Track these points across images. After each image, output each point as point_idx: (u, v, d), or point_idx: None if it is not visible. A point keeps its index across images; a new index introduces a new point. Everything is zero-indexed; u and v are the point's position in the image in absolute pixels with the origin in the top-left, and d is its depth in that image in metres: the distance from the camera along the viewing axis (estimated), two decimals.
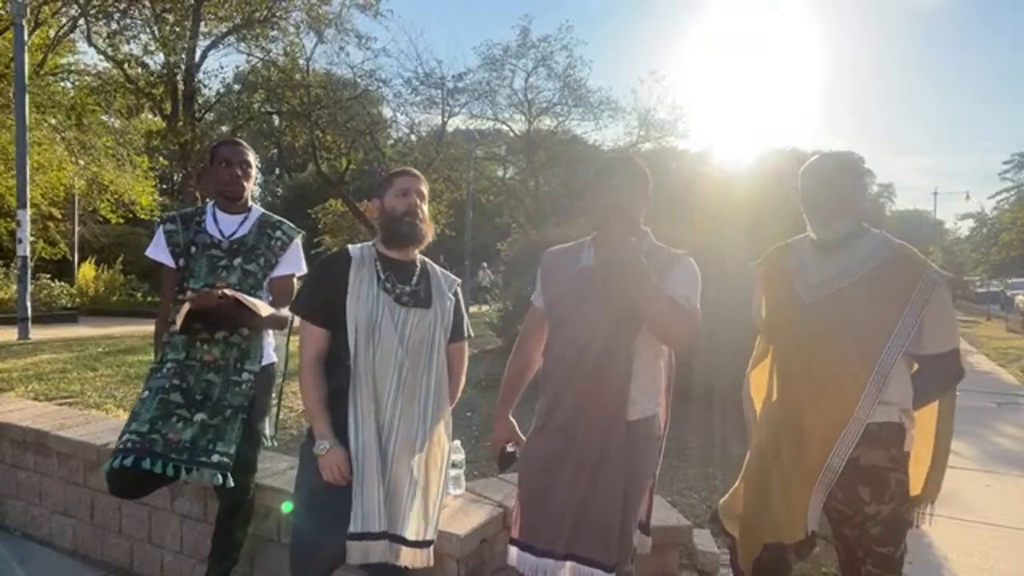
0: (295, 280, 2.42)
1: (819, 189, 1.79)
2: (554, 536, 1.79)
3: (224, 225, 2.31)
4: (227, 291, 2.07)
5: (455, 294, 2.09)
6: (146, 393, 2.18)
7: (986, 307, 22.25)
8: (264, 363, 2.30)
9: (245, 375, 2.22)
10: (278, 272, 2.34)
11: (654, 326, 1.71)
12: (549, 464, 1.83)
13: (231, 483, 2.13)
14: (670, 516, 2.58)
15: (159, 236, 2.31)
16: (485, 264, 20.96)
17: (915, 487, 1.87)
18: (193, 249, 2.25)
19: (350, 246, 2.05)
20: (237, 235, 2.30)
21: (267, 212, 2.43)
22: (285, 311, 2.31)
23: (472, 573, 2.19)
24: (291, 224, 2.43)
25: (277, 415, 2.59)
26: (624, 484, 1.76)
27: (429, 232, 2.02)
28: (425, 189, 2.05)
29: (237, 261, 2.26)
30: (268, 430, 2.57)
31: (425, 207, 2.03)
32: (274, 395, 2.58)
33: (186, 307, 2.07)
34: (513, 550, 1.87)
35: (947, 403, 1.84)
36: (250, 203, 2.40)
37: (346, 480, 1.85)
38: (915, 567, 2.85)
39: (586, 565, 1.75)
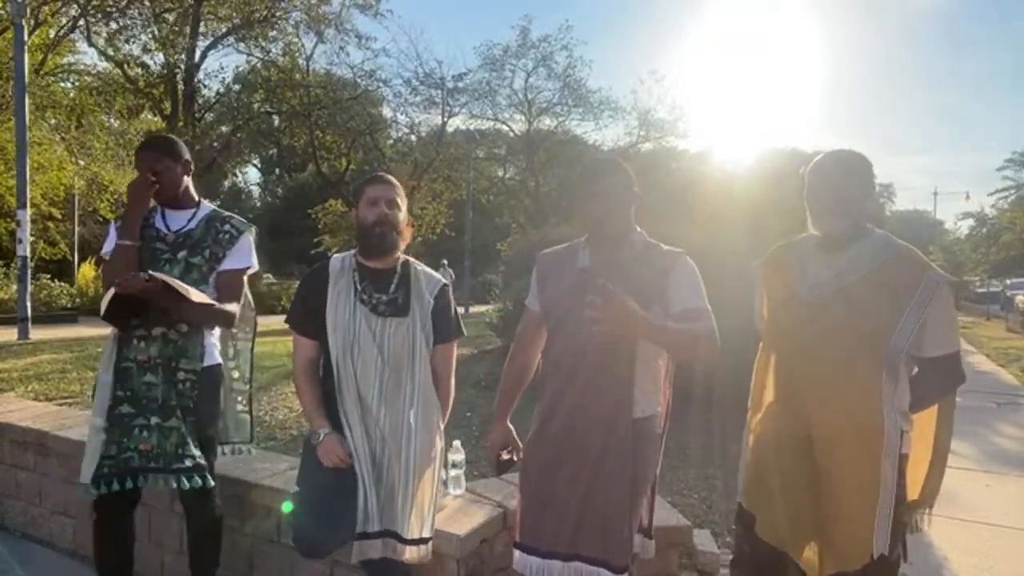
0: (245, 276, 2.33)
1: (819, 187, 1.78)
2: (557, 537, 1.79)
3: (171, 220, 2.26)
4: (154, 274, 1.97)
5: (438, 297, 2.07)
6: (101, 414, 2.12)
7: (986, 307, 22.22)
8: (207, 364, 2.21)
9: (182, 374, 2.14)
10: (225, 266, 2.25)
11: (667, 351, 1.80)
12: (549, 465, 1.83)
13: (211, 483, 2.11)
14: (670, 516, 2.58)
15: (111, 232, 2.26)
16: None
17: (913, 491, 1.86)
18: (140, 243, 2.19)
19: (333, 256, 2.08)
20: (184, 229, 2.25)
21: (218, 209, 2.36)
22: (232, 306, 2.22)
23: (472, 573, 2.19)
24: (242, 219, 2.35)
25: (252, 423, 2.53)
26: (629, 483, 1.76)
27: (404, 239, 2.02)
28: (398, 195, 2.02)
29: (182, 254, 2.19)
30: (239, 436, 2.51)
31: (400, 213, 2.01)
32: (242, 400, 2.52)
33: (111, 292, 1.99)
34: (516, 553, 1.87)
35: (946, 407, 1.83)
36: (198, 199, 2.33)
37: (345, 463, 1.89)
38: (915, 567, 2.84)
39: (592, 565, 1.75)
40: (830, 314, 1.73)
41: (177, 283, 1.99)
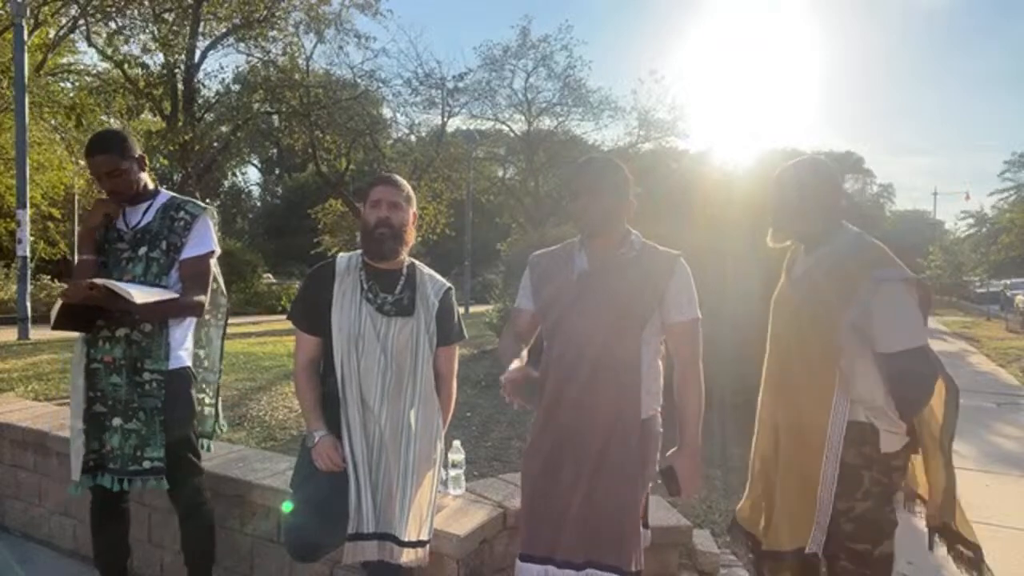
0: (211, 260, 2.25)
1: (786, 191, 1.85)
2: (562, 543, 1.78)
3: (131, 217, 2.22)
4: (96, 280, 1.95)
5: (442, 299, 2.08)
6: (78, 416, 2.14)
7: (986, 307, 22.20)
8: (173, 366, 2.16)
9: (147, 375, 2.11)
10: (185, 254, 2.18)
11: None
12: (550, 470, 1.83)
13: (166, 485, 2.11)
14: (670, 516, 2.58)
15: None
16: None
17: (923, 492, 1.93)
18: (106, 246, 2.18)
19: (339, 255, 2.08)
20: (142, 224, 2.19)
21: (176, 195, 2.27)
22: (199, 296, 2.16)
23: (472, 573, 2.19)
24: (197, 202, 2.28)
25: (216, 417, 2.51)
26: (638, 485, 1.77)
27: (407, 242, 2.02)
28: (402, 198, 2.01)
29: (143, 251, 2.14)
30: (207, 428, 2.49)
31: (404, 215, 2.01)
32: (209, 391, 2.50)
33: (58, 303, 2.00)
34: (522, 565, 1.84)
35: (949, 411, 1.77)
36: (155, 188, 2.26)
37: (339, 467, 1.90)
38: (915, 567, 2.85)
39: (605, 571, 1.75)
40: (797, 308, 1.84)
41: (118, 286, 1.94)
